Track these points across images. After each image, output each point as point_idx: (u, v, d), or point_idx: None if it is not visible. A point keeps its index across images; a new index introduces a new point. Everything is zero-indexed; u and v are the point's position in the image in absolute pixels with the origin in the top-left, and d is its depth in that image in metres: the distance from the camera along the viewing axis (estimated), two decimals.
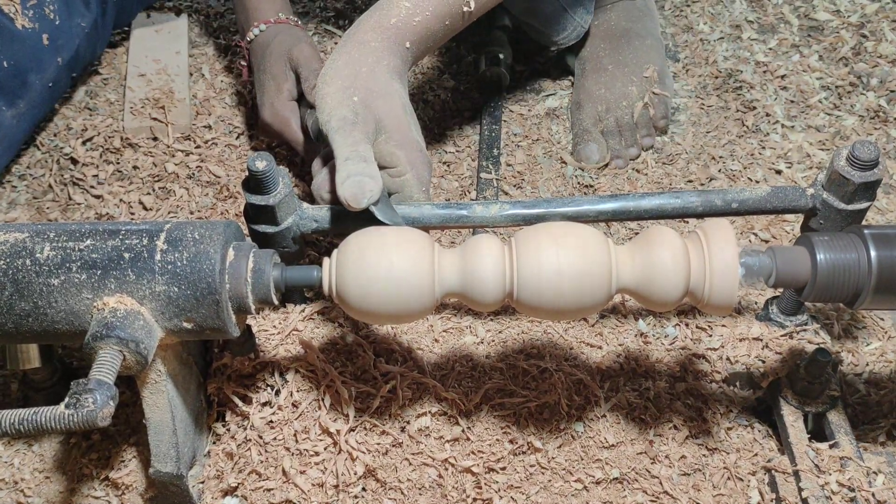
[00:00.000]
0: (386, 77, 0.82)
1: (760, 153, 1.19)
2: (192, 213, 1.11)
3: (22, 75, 1.09)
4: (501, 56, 1.25)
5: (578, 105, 1.22)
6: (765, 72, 1.29)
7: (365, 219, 0.75)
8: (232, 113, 1.23)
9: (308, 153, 1.06)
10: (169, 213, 1.11)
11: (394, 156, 0.80)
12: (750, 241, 1.08)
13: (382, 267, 0.65)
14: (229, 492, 0.79)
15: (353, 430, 0.79)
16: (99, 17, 1.21)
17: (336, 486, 0.78)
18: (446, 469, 0.79)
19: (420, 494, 0.78)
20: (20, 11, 1.09)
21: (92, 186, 1.14)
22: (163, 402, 0.74)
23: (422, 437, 0.80)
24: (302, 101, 1.07)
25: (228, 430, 0.82)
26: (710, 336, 0.89)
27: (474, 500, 0.78)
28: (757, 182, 1.15)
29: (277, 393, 0.81)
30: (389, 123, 0.81)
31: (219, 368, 0.83)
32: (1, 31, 1.06)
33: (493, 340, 0.87)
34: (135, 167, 1.16)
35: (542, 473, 0.80)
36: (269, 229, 0.81)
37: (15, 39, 1.08)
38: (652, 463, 0.81)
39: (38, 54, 1.11)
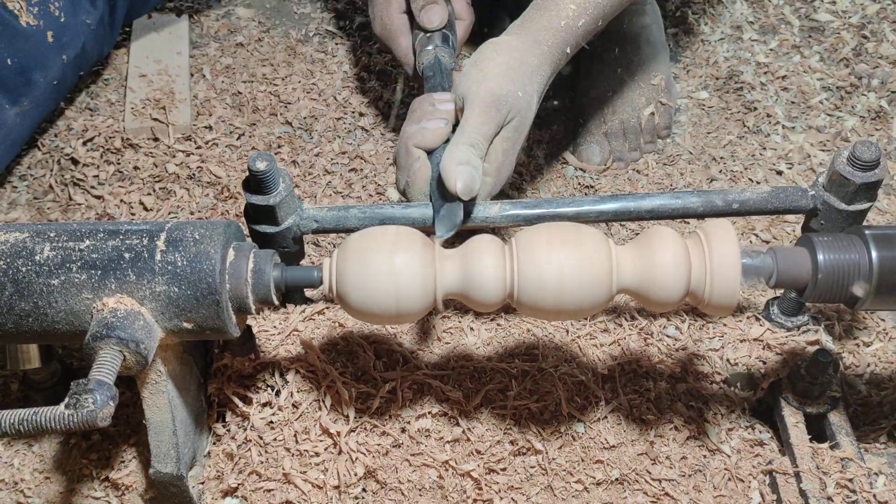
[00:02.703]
0: (536, 89, 0.83)
1: (761, 154, 1.19)
2: (192, 213, 1.11)
3: (26, 73, 1.09)
4: None
5: (583, 106, 1.22)
6: (765, 73, 1.29)
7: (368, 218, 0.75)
8: (233, 113, 1.23)
9: (416, 77, 1.02)
10: (169, 213, 1.11)
11: (494, 157, 0.80)
12: (751, 241, 1.08)
13: (383, 267, 0.65)
14: (229, 492, 0.79)
15: (354, 431, 0.79)
16: (106, 14, 1.21)
17: (336, 487, 0.77)
18: (447, 470, 0.79)
19: (420, 495, 0.78)
20: (25, 8, 1.08)
21: (92, 187, 1.14)
22: (163, 402, 0.74)
23: (422, 437, 0.80)
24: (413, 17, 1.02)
25: (228, 430, 0.82)
26: (711, 337, 0.89)
27: (475, 500, 0.78)
28: (758, 183, 1.15)
29: (278, 393, 0.81)
30: (514, 129, 0.81)
31: (219, 369, 0.83)
32: (5, 29, 1.06)
33: (494, 341, 0.87)
34: (135, 168, 1.16)
35: (543, 474, 0.79)
36: (270, 229, 0.81)
37: (19, 37, 1.07)
38: (653, 464, 0.81)
39: (42, 52, 1.10)
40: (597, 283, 0.65)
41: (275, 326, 0.85)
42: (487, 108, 0.78)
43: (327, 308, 0.87)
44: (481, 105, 0.78)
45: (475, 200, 0.81)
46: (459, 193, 0.75)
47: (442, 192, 0.78)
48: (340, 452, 0.78)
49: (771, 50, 1.33)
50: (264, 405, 0.81)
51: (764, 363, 0.86)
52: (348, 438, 0.79)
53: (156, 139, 1.19)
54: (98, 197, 1.13)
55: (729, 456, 0.82)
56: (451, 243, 0.74)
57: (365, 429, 0.80)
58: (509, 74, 0.80)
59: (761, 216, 1.06)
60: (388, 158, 1.17)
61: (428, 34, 0.98)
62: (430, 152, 0.83)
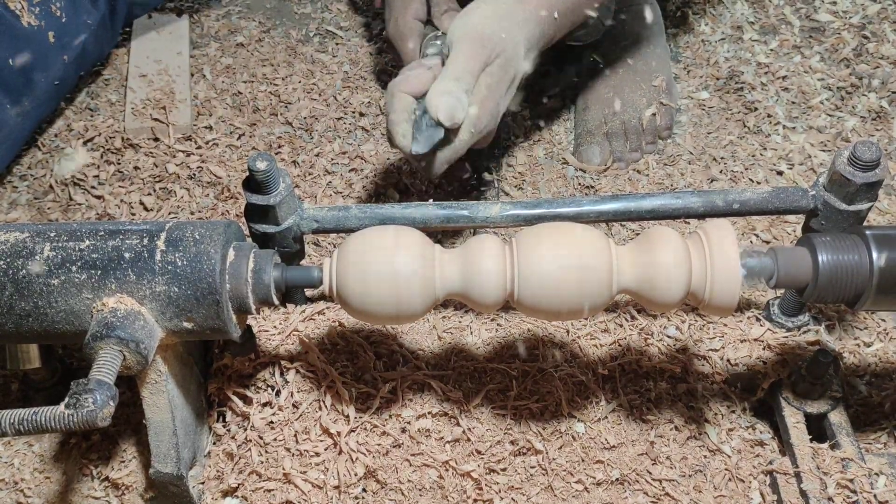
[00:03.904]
0: (523, 38, 0.89)
1: (762, 154, 1.19)
2: (192, 213, 1.11)
3: (27, 73, 1.09)
4: None
5: (585, 106, 1.22)
6: (766, 73, 1.29)
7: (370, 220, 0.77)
8: (233, 113, 1.23)
9: None
10: (170, 213, 1.11)
11: (478, 91, 0.86)
12: (751, 241, 1.08)
13: (383, 267, 0.65)
14: (229, 492, 0.79)
15: (354, 431, 0.79)
16: (107, 14, 1.21)
17: (336, 487, 0.77)
18: (447, 470, 0.79)
19: (420, 495, 0.78)
20: (26, 9, 1.08)
21: (93, 187, 1.14)
22: (163, 402, 0.74)
23: (422, 437, 0.80)
24: (428, 24, 1.08)
25: (229, 430, 0.82)
26: (712, 337, 0.89)
27: (475, 501, 0.78)
28: (758, 183, 1.15)
29: (278, 393, 0.81)
30: (499, 66, 0.87)
31: (219, 369, 0.83)
32: (6, 29, 1.06)
33: (494, 341, 0.87)
34: (136, 168, 1.16)
35: (543, 474, 0.79)
36: (270, 229, 0.81)
37: (20, 37, 1.07)
38: (653, 464, 0.81)
39: (43, 52, 1.10)
40: (597, 284, 0.65)
41: (275, 326, 0.85)
42: (472, 45, 0.85)
43: (328, 308, 0.87)
44: (466, 43, 0.85)
45: (458, 129, 0.87)
46: (442, 119, 0.83)
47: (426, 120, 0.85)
48: (340, 452, 0.78)
49: (771, 50, 1.33)
50: (264, 405, 0.81)
51: (764, 363, 0.86)
52: (348, 438, 0.79)
53: (156, 139, 1.19)
54: (98, 197, 1.13)
55: (729, 456, 0.82)
56: (451, 243, 0.75)
57: (365, 429, 0.80)
58: (494, 18, 0.86)
59: (762, 216, 1.06)
60: (388, 158, 1.17)
61: (438, 34, 1.05)
62: (417, 99, 0.88)
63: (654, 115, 1.19)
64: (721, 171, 1.16)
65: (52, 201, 1.14)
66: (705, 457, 0.82)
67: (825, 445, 0.81)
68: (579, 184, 1.16)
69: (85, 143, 1.19)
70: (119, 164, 1.16)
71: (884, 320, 0.96)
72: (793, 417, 0.82)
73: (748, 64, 1.31)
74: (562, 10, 0.92)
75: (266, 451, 0.79)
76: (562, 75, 1.31)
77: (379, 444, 0.79)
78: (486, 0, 0.89)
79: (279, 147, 1.19)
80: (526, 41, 0.89)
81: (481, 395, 0.82)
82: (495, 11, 0.87)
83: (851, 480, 0.77)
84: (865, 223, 0.86)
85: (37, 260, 0.66)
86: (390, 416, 0.81)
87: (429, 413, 0.81)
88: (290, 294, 0.88)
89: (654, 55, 1.22)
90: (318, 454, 0.78)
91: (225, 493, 0.79)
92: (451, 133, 0.86)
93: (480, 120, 0.87)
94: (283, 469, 0.77)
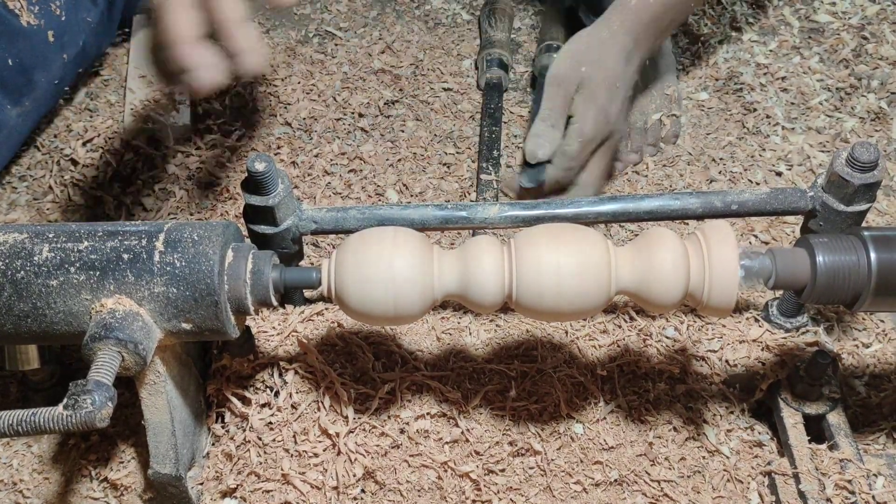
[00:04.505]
0: (612, 53, 1.01)
1: (761, 155, 1.19)
2: (191, 214, 1.11)
3: (27, 73, 1.08)
4: (502, 58, 1.25)
5: None
6: (765, 73, 1.29)
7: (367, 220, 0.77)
8: (232, 114, 1.23)
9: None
10: (169, 214, 1.11)
11: (575, 107, 1.00)
12: (750, 242, 1.08)
13: (382, 268, 0.65)
14: (228, 493, 0.79)
15: (353, 432, 0.79)
16: (105, 10, 1.20)
17: (335, 488, 0.77)
18: (445, 471, 0.79)
19: (419, 496, 0.78)
20: (25, 7, 1.07)
21: (92, 188, 1.14)
22: (162, 403, 0.74)
23: (421, 438, 0.80)
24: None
25: (227, 431, 0.82)
26: (710, 338, 0.89)
27: (473, 501, 0.78)
28: (757, 184, 1.15)
29: (276, 394, 0.81)
30: (590, 89, 1.00)
31: (218, 369, 0.83)
32: (6, 28, 1.05)
33: (493, 342, 0.87)
34: (134, 168, 1.16)
35: (542, 475, 0.79)
36: (269, 230, 0.81)
37: (20, 36, 1.07)
38: (651, 465, 0.81)
39: (43, 51, 1.10)
40: (595, 285, 0.65)
41: (274, 327, 0.85)
42: (549, 87, 1.01)
43: (326, 309, 0.87)
44: (546, 87, 1.01)
45: (548, 161, 1.01)
46: (528, 158, 1.01)
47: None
48: (339, 453, 0.78)
49: (770, 51, 1.33)
50: (263, 406, 0.81)
51: (763, 364, 0.86)
52: (347, 439, 0.79)
53: (155, 140, 1.19)
54: (97, 198, 1.13)
55: (728, 457, 0.82)
56: (451, 243, 0.75)
57: (364, 430, 0.80)
58: (572, 56, 1.01)
59: (760, 217, 1.06)
60: (387, 159, 1.17)
61: (553, 45, 1.22)
62: None
63: (660, 120, 1.19)
64: (720, 172, 1.16)
65: (52, 202, 1.14)
66: (704, 458, 0.82)
67: (823, 446, 0.81)
68: None
69: (84, 144, 1.19)
70: (118, 164, 1.16)
71: (882, 321, 0.96)
72: (791, 418, 0.82)
73: (747, 65, 1.31)
74: (653, 16, 1.02)
75: (265, 452, 0.79)
76: None
77: (378, 445, 0.79)
78: (574, 37, 1.03)
79: (278, 148, 1.19)
80: (618, 52, 1.01)
81: (480, 396, 0.82)
82: (576, 48, 1.01)
83: (850, 481, 0.78)
84: (864, 224, 0.86)
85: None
86: (389, 417, 0.81)
87: (427, 414, 0.81)
88: (289, 295, 0.88)
89: (665, 64, 1.23)
90: (316, 455, 0.78)
91: (224, 494, 0.79)
92: (547, 165, 1.01)
93: (584, 131, 0.99)
94: (282, 470, 0.78)
